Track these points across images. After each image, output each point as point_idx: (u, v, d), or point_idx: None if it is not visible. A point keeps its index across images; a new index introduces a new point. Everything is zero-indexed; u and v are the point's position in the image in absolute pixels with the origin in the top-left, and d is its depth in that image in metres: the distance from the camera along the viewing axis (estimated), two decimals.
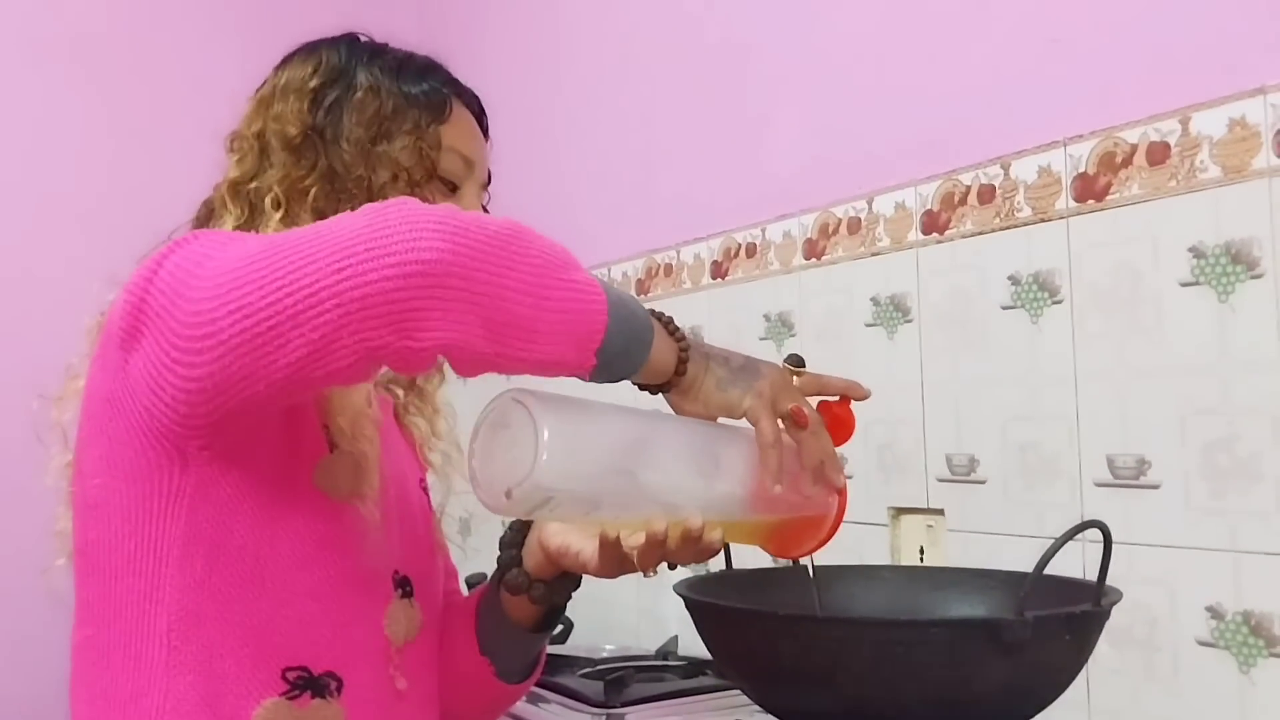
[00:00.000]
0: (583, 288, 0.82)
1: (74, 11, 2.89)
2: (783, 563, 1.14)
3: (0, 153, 2.81)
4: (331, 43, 1.07)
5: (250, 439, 0.88)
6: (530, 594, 1.05)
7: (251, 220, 0.98)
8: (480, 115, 1.11)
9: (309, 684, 0.90)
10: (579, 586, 1.09)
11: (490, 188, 1.14)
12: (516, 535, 1.08)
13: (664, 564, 0.94)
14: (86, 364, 0.93)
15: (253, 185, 0.99)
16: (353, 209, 0.89)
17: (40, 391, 2.48)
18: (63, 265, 2.81)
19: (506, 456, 0.82)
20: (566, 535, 1.03)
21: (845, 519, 1.02)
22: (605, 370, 0.85)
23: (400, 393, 1.13)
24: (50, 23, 2.86)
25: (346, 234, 0.77)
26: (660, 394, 0.94)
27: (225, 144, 1.06)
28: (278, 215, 0.96)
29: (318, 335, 0.75)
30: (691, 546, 0.90)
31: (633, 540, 0.92)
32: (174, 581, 0.86)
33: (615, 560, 0.95)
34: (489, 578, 1.11)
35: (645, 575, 0.95)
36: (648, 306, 0.91)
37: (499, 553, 1.09)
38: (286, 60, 1.08)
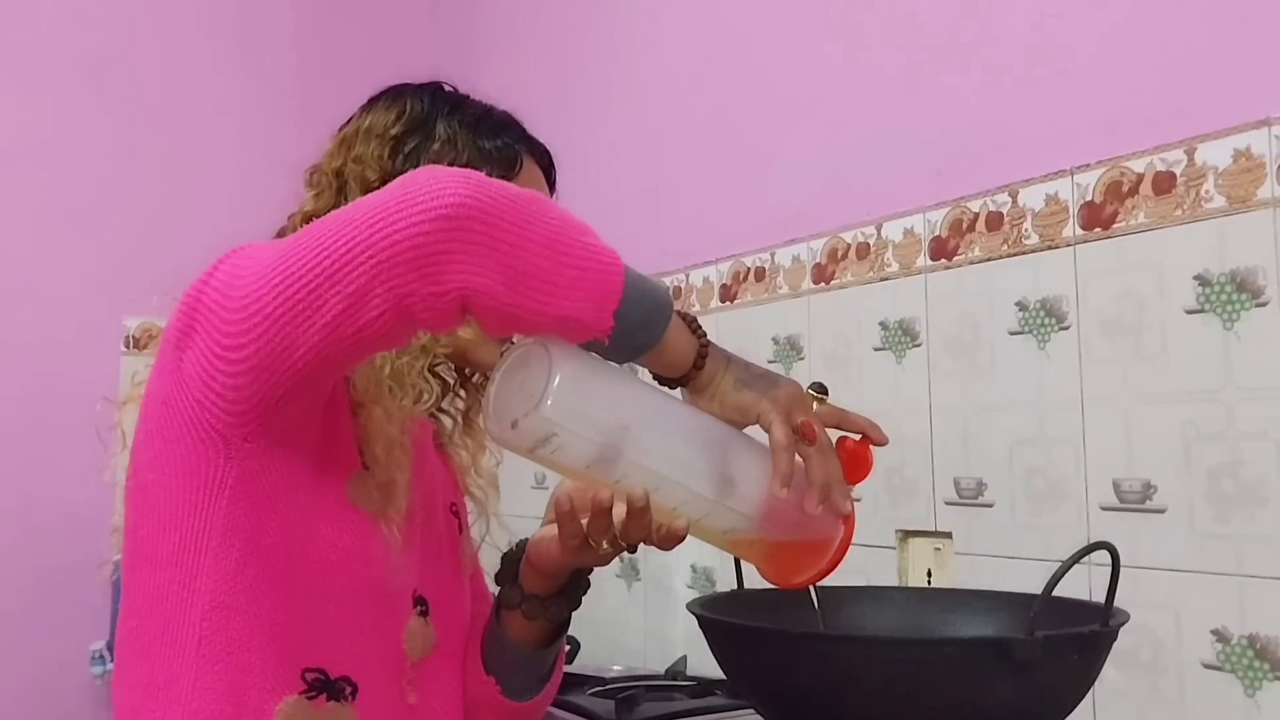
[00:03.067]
0: (600, 251, 0.85)
1: (90, 33, 2.92)
2: None
3: (18, 174, 2.84)
4: (417, 90, 1.12)
5: (292, 438, 0.90)
6: (523, 609, 1.08)
7: None
8: (549, 169, 1.17)
9: (325, 686, 0.92)
10: (577, 605, 1.11)
11: None
12: (515, 553, 1.10)
13: (623, 554, 0.99)
14: (148, 372, 0.95)
15: None
16: None
17: (57, 411, 2.50)
18: (80, 284, 2.85)
19: (520, 390, 0.85)
20: (548, 545, 1.06)
21: (853, 542, 1.00)
22: (622, 339, 0.86)
23: (449, 421, 1.15)
24: (66, 45, 2.90)
25: (380, 197, 0.82)
26: (677, 388, 0.96)
27: (304, 176, 1.11)
28: None
29: (353, 288, 0.79)
30: (637, 522, 0.91)
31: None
32: (210, 572, 0.89)
33: (573, 533, 0.99)
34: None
35: (598, 551, 0.99)
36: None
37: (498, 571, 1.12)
38: (373, 102, 1.12)
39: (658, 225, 2.25)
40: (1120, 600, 0.98)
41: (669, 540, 0.94)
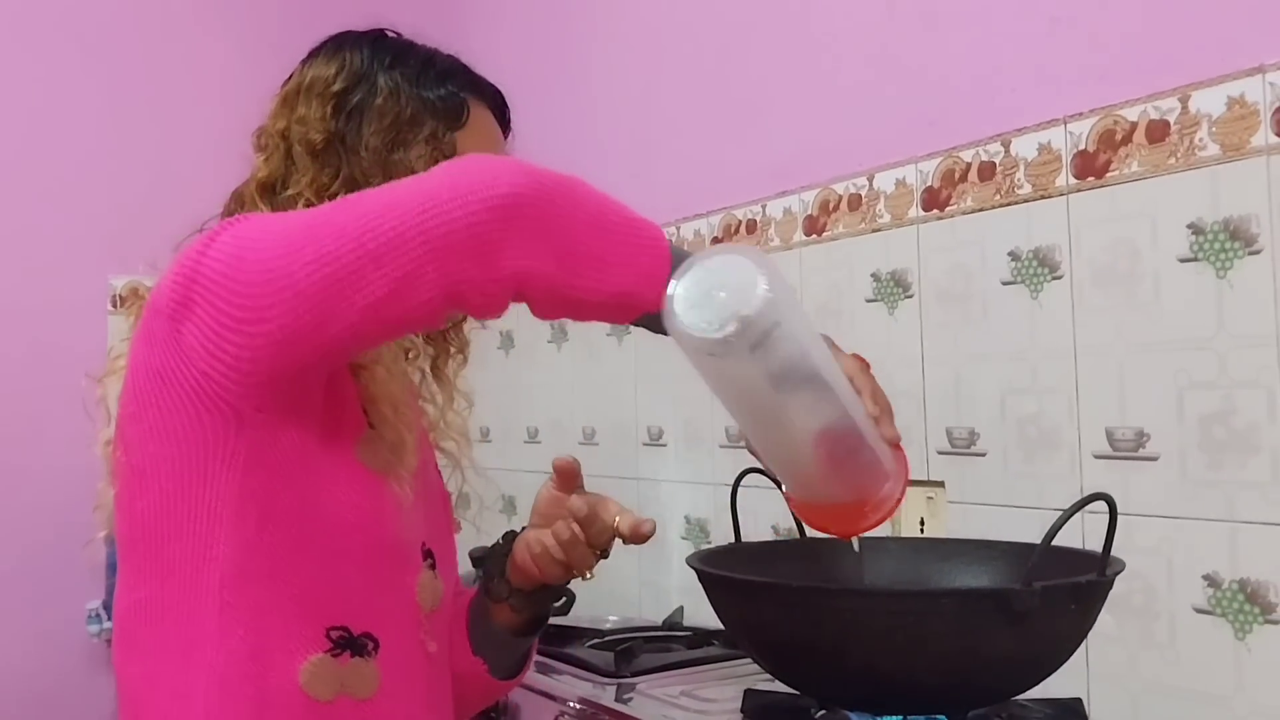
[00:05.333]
0: (644, 225, 0.89)
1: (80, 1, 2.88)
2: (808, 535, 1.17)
3: (2, 135, 2.81)
4: (356, 41, 1.09)
5: (301, 405, 0.91)
6: (510, 602, 1.10)
7: None
8: (502, 110, 1.13)
9: (349, 643, 0.94)
10: (560, 600, 1.13)
11: None
12: (505, 546, 1.11)
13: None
14: (127, 345, 0.94)
15: (283, 189, 1.03)
16: None
17: (45, 373, 2.47)
18: (67, 244, 2.83)
19: (717, 299, 0.84)
20: (533, 546, 1.10)
21: None
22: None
23: (416, 375, 1.15)
24: (51, 5, 2.86)
25: (427, 183, 0.83)
26: None
27: (252, 139, 1.08)
28: None
29: (401, 273, 0.80)
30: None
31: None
32: (226, 541, 0.89)
33: (558, 574, 1.06)
34: (476, 584, 1.14)
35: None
36: None
37: (481, 565, 1.14)
38: (312, 55, 1.09)
39: (649, 178, 2.24)
40: (1114, 547, 0.99)
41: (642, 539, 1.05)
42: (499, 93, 1.14)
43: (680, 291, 0.85)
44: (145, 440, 0.91)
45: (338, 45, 1.09)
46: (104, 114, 2.88)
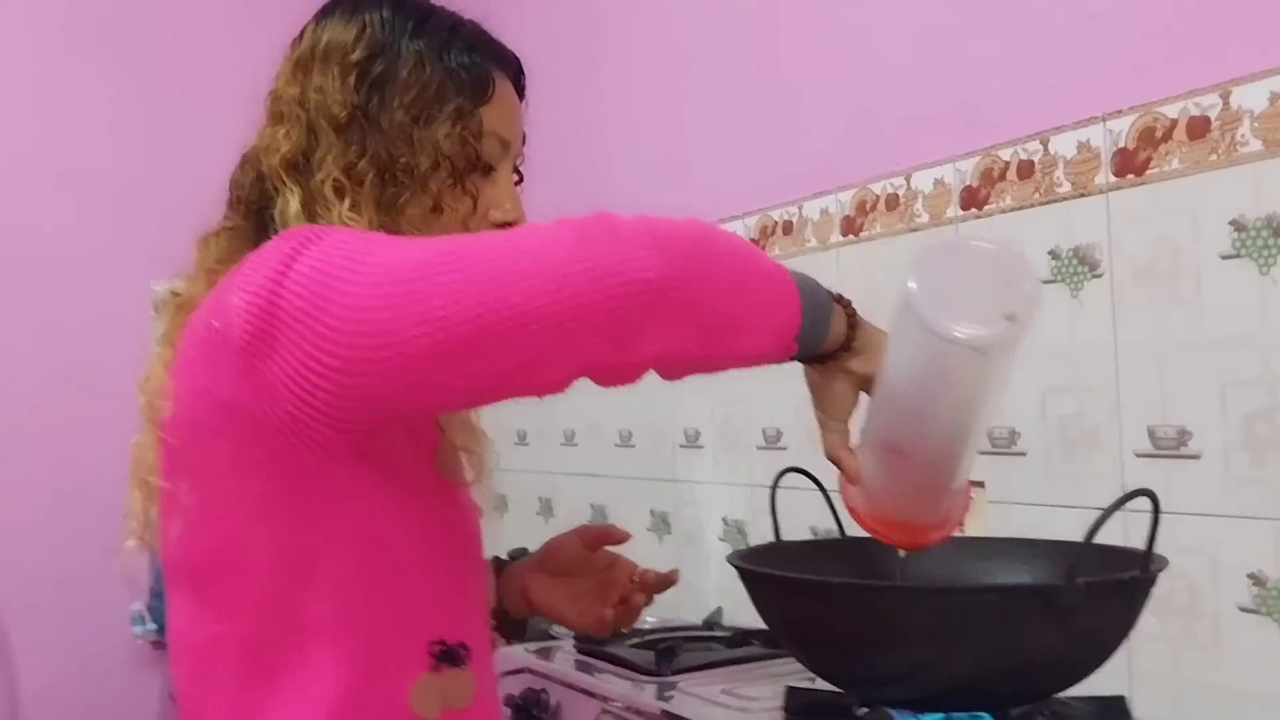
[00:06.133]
0: (775, 277, 0.87)
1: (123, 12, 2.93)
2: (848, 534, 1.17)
3: (43, 141, 2.86)
4: (374, 1, 1.00)
5: (389, 435, 0.89)
6: (500, 629, 1.13)
7: (311, 200, 0.94)
8: (519, 77, 1.07)
9: (447, 655, 0.93)
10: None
11: (524, 164, 1.10)
12: (496, 568, 1.15)
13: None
14: (170, 351, 0.91)
15: (308, 165, 0.95)
16: (405, 199, 0.94)
17: (90, 377, 2.48)
18: (108, 249, 2.87)
19: (973, 288, 0.85)
20: (550, 597, 1.16)
21: None
22: (799, 356, 0.91)
23: None
24: (90, 11, 2.90)
25: (552, 250, 0.79)
26: (817, 363, 0.96)
27: (264, 103, 1.01)
28: (344, 204, 0.93)
29: (531, 351, 0.77)
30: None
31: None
32: (326, 575, 0.87)
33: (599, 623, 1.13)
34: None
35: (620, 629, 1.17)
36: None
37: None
38: (326, 13, 1.01)
39: (683, 179, 2.25)
40: (1156, 546, 0.99)
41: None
42: (517, 59, 1.07)
43: (933, 286, 0.85)
44: (224, 471, 0.87)
45: (355, 3, 1.00)
46: (146, 121, 2.93)
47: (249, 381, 0.82)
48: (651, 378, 0.88)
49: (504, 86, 1.03)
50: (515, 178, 1.06)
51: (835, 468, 0.99)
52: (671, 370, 0.85)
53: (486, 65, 1.01)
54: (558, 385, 0.81)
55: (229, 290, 0.84)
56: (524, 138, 1.07)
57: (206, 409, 0.86)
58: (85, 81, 2.89)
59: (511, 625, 1.15)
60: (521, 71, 1.08)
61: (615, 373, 0.82)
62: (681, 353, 0.82)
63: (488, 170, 1.01)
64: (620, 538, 1.18)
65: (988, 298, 0.83)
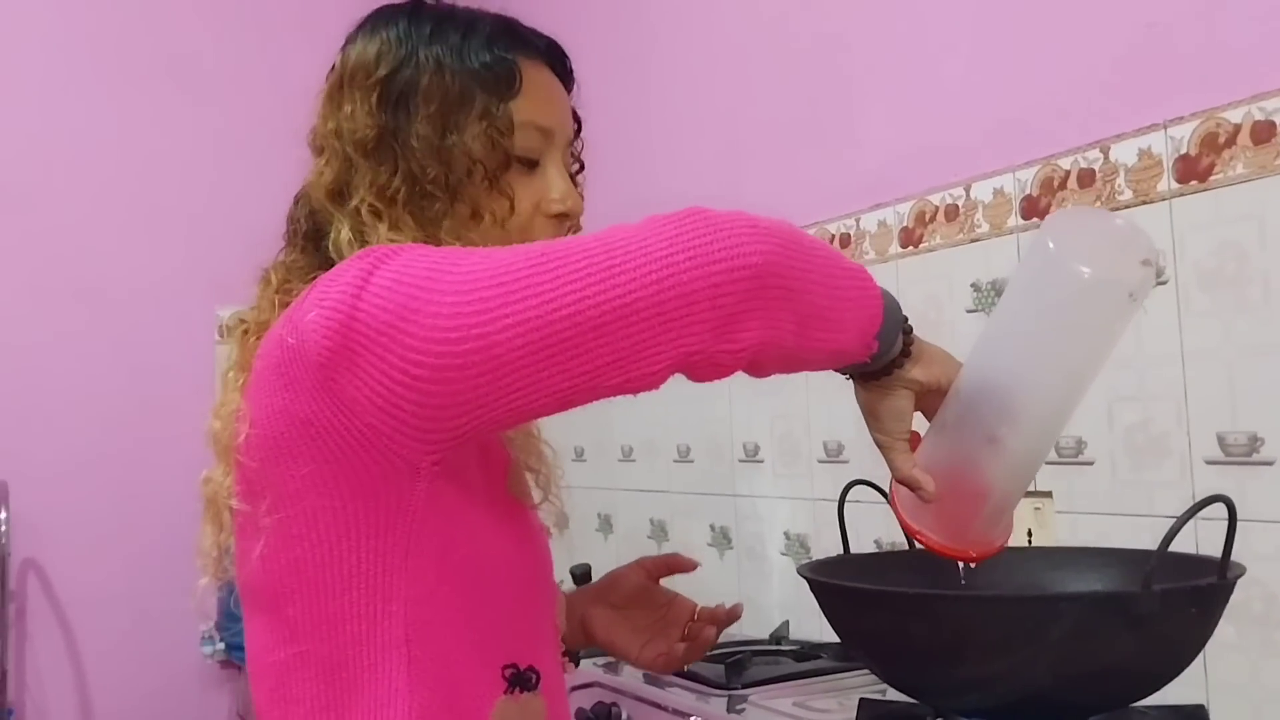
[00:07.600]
0: (859, 274, 0.88)
1: (174, 30, 3.00)
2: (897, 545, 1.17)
3: (109, 170, 2.93)
4: (392, 15, 1.00)
5: (465, 455, 0.89)
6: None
7: (360, 228, 0.95)
8: (561, 61, 1.04)
9: (519, 679, 0.92)
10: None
11: (582, 153, 1.07)
12: (572, 594, 1.17)
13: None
14: (243, 375, 0.92)
15: (348, 192, 0.96)
16: (440, 209, 0.94)
17: (157, 401, 2.52)
18: (173, 276, 2.94)
19: (1101, 245, 0.90)
20: (612, 631, 1.17)
21: None
22: (875, 358, 0.91)
23: None
24: (151, 42, 2.98)
25: (654, 244, 0.78)
26: (881, 374, 0.97)
27: (308, 141, 1.02)
28: (383, 227, 0.93)
29: (628, 343, 0.77)
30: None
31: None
32: (404, 593, 0.86)
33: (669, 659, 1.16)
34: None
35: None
36: None
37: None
38: (351, 38, 1.01)
39: (739, 193, 2.24)
40: (1231, 553, 0.98)
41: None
42: (554, 44, 1.03)
43: (1070, 243, 0.89)
44: (303, 491, 0.86)
45: (375, 23, 1.00)
46: (209, 152, 3.00)
47: (328, 397, 0.82)
48: (708, 391, 0.88)
49: (536, 74, 1.00)
50: (575, 166, 1.05)
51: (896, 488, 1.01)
52: (765, 362, 0.84)
53: (510, 57, 0.98)
54: (656, 378, 0.79)
55: (305, 308, 0.83)
56: (578, 121, 1.05)
57: (284, 428, 0.85)
58: (148, 111, 2.97)
59: (570, 655, 1.14)
60: (561, 55, 1.04)
61: (712, 364, 0.80)
62: (779, 343, 0.81)
63: (532, 164, 0.99)
64: (686, 567, 1.18)
65: (1115, 253, 0.87)
